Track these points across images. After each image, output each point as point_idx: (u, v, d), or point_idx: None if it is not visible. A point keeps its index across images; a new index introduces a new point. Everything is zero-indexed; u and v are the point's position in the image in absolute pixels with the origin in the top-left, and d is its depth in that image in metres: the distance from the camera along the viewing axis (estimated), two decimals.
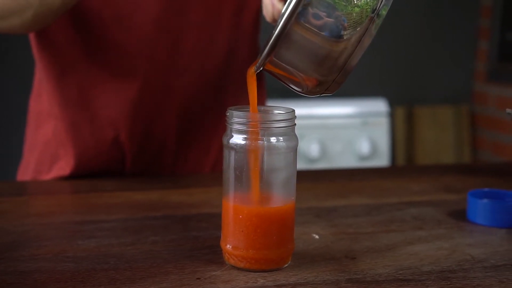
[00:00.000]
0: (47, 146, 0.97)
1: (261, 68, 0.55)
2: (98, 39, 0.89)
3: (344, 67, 0.52)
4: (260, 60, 0.54)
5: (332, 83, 0.54)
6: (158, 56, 0.90)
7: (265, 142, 0.56)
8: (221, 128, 0.99)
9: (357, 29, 0.51)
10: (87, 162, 0.94)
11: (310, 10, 0.50)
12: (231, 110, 0.57)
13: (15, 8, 0.78)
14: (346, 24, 0.50)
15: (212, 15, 0.91)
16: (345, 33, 0.50)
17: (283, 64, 0.53)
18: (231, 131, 0.57)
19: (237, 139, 0.57)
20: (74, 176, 0.94)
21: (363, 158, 2.20)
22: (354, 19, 0.50)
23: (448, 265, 0.60)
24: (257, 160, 0.56)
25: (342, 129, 2.21)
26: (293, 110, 0.58)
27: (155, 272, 0.57)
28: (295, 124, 0.58)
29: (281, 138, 0.57)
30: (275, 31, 0.51)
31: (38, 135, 0.98)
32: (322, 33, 0.50)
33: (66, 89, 0.92)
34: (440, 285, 0.55)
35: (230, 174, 0.58)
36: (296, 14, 0.50)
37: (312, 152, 2.15)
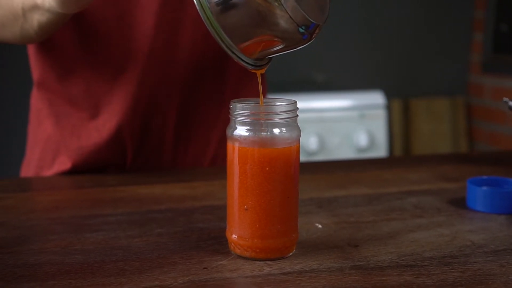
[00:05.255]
0: (48, 142, 0.98)
1: (257, 65, 0.57)
2: (102, 37, 0.90)
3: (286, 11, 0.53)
4: (243, 62, 0.56)
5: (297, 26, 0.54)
6: (157, 50, 0.91)
7: (269, 133, 0.57)
8: (220, 121, 1.00)
9: None
10: (88, 156, 0.95)
11: None
12: (234, 102, 0.58)
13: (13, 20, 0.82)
14: None
15: None
16: None
17: (250, 42, 0.55)
18: (234, 123, 0.58)
19: (241, 130, 0.58)
20: (75, 171, 0.95)
21: (361, 150, 2.21)
22: None
23: (449, 250, 0.62)
24: (261, 151, 0.57)
25: (340, 122, 2.22)
26: (295, 102, 0.59)
27: (163, 262, 0.58)
28: (298, 115, 0.59)
29: (284, 129, 0.58)
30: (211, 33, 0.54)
31: (40, 131, 0.99)
32: None
33: (72, 87, 0.93)
34: (442, 270, 0.57)
35: (234, 164, 0.59)
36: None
37: (310, 145, 2.16)
